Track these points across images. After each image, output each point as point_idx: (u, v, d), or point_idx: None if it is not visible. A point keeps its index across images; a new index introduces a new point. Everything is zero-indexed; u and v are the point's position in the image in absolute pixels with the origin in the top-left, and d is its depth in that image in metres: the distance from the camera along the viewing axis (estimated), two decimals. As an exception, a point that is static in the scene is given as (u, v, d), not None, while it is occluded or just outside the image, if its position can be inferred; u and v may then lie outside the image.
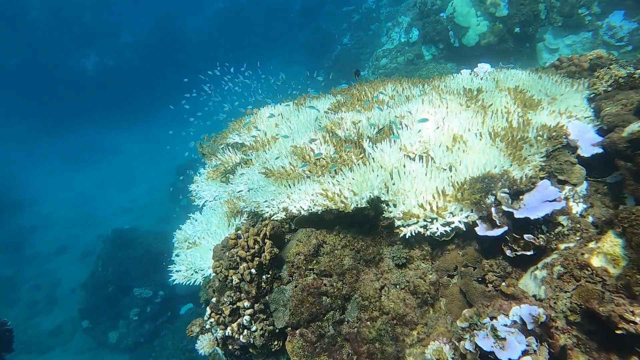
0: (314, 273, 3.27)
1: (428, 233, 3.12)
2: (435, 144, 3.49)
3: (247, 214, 3.92)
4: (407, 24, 11.22)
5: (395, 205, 3.23)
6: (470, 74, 4.59)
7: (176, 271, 3.95)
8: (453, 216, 3.11)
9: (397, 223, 3.17)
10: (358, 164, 3.44)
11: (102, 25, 33.28)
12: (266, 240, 3.29)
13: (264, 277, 3.26)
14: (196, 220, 4.63)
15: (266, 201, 3.60)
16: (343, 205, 3.25)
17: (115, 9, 34.88)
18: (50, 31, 32.43)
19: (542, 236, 2.91)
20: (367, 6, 16.41)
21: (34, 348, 15.56)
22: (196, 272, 3.80)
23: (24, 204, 23.09)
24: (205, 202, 4.56)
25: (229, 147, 4.60)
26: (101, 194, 23.88)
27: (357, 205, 3.25)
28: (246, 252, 3.23)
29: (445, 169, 3.34)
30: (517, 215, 2.86)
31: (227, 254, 3.30)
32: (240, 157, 4.32)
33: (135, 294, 15.28)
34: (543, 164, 3.30)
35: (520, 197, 3.09)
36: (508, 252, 2.95)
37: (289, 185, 3.54)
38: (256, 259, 3.20)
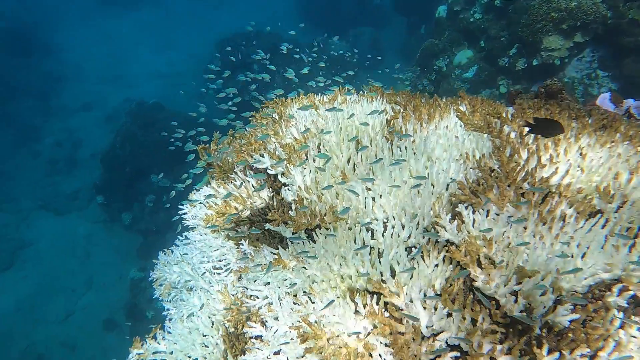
0: None
1: None
2: None
3: None
4: None
5: None
6: None
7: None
8: None
9: None
10: None
11: None
12: None
13: None
14: (184, 257, 2.71)
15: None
16: None
17: None
18: None
19: None
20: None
21: (52, 207, 15.32)
22: None
23: (52, 49, 21.04)
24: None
25: (251, 172, 2.38)
26: (136, 51, 21.60)
27: None
28: None
29: None
30: None
31: None
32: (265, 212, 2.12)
33: (152, 180, 14.22)
34: None
35: None
36: None
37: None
38: None
